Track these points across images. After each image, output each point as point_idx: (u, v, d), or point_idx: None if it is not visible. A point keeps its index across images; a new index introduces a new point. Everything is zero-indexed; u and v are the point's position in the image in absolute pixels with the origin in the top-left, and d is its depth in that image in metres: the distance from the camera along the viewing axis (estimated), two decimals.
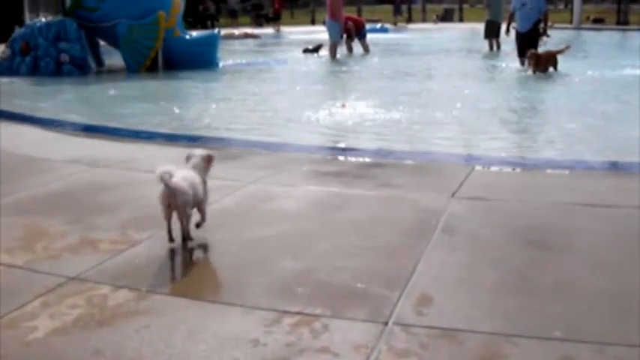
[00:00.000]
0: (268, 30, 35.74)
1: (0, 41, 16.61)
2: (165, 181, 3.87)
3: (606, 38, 26.99)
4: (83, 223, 4.54)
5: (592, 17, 35.12)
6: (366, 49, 19.99)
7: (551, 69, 13.99)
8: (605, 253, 3.89)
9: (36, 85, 14.00)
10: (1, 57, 15.90)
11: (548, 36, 15.08)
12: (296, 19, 43.86)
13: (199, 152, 4.37)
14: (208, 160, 4.35)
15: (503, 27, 16.78)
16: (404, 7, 41.82)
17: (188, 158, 4.32)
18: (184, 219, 4.05)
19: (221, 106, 10.85)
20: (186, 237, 4.09)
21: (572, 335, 2.93)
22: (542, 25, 14.92)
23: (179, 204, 3.97)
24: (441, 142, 7.67)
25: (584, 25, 33.50)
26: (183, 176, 4.03)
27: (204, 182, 4.26)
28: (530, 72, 13.86)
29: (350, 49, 19.91)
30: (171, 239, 4.09)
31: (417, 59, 18.92)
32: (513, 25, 15.35)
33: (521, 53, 14.78)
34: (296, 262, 3.80)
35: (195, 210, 4.17)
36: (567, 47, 14.48)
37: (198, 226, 4.24)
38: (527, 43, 14.63)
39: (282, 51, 22.56)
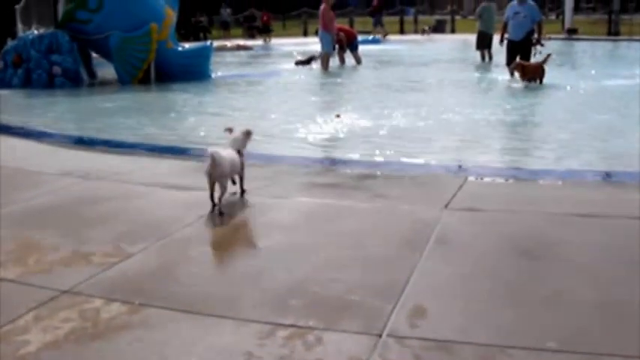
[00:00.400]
0: (260, 41, 35.78)
1: None
2: (213, 156, 4.92)
3: (597, 49, 27.09)
4: (76, 236, 4.52)
5: (566, 28, 35.03)
6: (358, 60, 20.00)
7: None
8: (598, 264, 3.90)
9: (28, 98, 13.98)
10: None
11: (542, 45, 14.99)
12: (288, 31, 43.92)
13: (240, 128, 5.59)
14: (247, 135, 5.56)
15: (496, 38, 16.78)
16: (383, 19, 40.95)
17: (230, 131, 5.51)
18: (222, 188, 5.02)
19: (214, 118, 10.84)
20: (220, 202, 4.99)
21: (567, 346, 2.93)
22: (535, 34, 14.83)
23: (217, 175, 4.96)
24: (434, 153, 7.69)
25: (574, 36, 33.61)
26: (226, 154, 5.11)
27: (242, 154, 5.39)
28: (521, 83, 13.81)
29: (342, 61, 19.94)
30: (213, 204, 5.00)
31: (410, 70, 18.97)
32: (506, 36, 15.28)
33: (511, 63, 14.68)
34: (289, 274, 3.79)
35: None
36: (549, 56, 14.25)
37: (242, 193, 5.42)
38: (519, 52, 14.57)
39: (275, 62, 22.58)
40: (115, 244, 4.34)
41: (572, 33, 33.97)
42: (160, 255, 4.14)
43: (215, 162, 4.93)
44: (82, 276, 3.81)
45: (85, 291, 3.61)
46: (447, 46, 30.12)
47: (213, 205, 4.99)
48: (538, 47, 14.79)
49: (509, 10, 15.11)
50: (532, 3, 15.22)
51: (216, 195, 4.98)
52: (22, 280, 3.79)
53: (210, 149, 4.99)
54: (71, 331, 3.16)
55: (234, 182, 5.37)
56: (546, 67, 13.94)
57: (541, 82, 13.82)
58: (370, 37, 31.47)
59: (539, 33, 15.00)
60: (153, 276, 3.85)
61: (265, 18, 39.15)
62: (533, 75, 13.80)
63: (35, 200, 5.47)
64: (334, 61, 19.42)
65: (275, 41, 34.93)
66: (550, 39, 15.63)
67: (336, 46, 19.23)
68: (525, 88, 13.47)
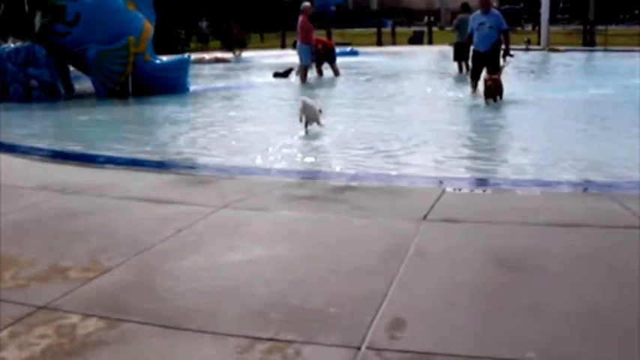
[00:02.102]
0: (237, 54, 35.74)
1: None
2: (305, 100, 9.23)
3: (571, 60, 27.30)
4: (52, 251, 4.48)
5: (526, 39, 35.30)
6: (336, 72, 20.05)
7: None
8: (577, 274, 3.91)
9: (4, 111, 13.84)
10: None
11: (511, 56, 14.72)
12: (266, 43, 43.99)
13: (313, 101, 9.86)
14: (317, 104, 9.70)
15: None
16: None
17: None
18: (309, 122, 9.34)
19: (191, 131, 10.84)
20: (307, 128, 9.56)
21: (546, 356, 2.93)
22: (503, 45, 14.20)
23: (309, 112, 9.39)
24: (412, 164, 7.72)
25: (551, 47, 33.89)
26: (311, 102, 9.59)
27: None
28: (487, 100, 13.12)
29: (320, 73, 19.97)
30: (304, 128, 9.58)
31: (387, 82, 19.04)
32: (472, 47, 14.73)
33: (475, 76, 14.26)
34: (268, 287, 3.77)
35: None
36: (502, 68, 13.85)
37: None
38: (486, 64, 14.05)
39: (253, 75, 22.60)
40: (92, 259, 4.30)
41: (529, 43, 34.18)
42: (137, 269, 4.11)
43: (305, 103, 9.40)
44: (58, 291, 3.77)
45: (61, 306, 3.57)
46: (425, 57, 30.29)
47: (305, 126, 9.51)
48: (508, 58, 14.31)
49: (473, 21, 14.60)
50: (497, 12, 14.77)
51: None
52: None
53: (302, 98, 9.37)
54: (48, 347, 3.13)
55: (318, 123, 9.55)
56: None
57: (500, 96, 13.28)
58: (348, 49, 31.55)
59: (507, 43, 14.40)
60: (130, 291, 3.81)
61: (235, 31, 38.97)
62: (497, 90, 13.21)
63: (11, 215, 5.41)
64: (312, 73, 19.45)
65: (253, 54, 34.87)
66: (530, 48, 15.41)
67: (315, 58, 19.26)
68: (500, 100, 13.30)
